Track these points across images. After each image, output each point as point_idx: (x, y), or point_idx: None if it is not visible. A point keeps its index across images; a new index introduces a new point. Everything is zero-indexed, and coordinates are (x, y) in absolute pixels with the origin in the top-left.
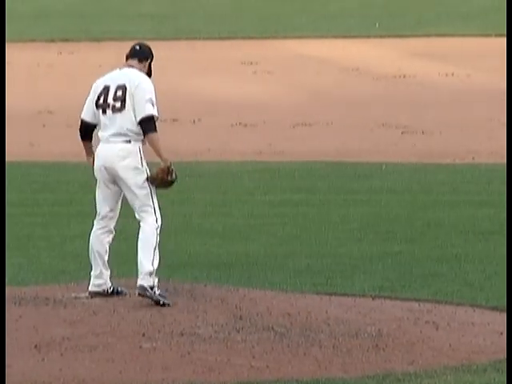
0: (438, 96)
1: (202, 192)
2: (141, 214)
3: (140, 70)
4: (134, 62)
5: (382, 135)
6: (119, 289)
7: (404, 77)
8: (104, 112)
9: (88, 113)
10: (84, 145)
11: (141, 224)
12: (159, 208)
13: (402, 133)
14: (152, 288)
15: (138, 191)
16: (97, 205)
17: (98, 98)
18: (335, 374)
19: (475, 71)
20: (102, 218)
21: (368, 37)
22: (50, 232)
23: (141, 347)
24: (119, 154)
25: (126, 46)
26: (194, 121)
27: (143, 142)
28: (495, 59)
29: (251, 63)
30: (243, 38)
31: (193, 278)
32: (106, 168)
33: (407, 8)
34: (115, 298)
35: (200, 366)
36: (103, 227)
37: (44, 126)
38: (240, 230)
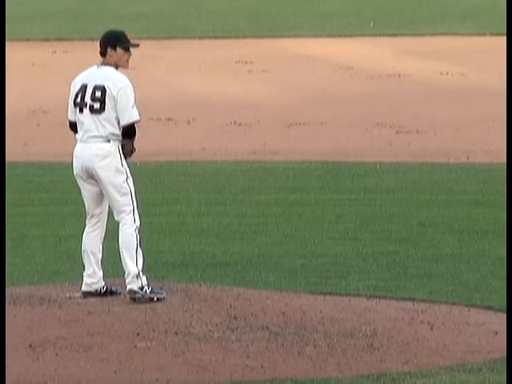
0: (432, 95)
1: (196, 191)
2: (119, 215)
3: (115, 64)
4: (105, 57)
5: (377, 134)
6: (113, 288)
7: (399, 76)
8: (81, 111)
9: (70, 112)
10: None
11: (119, 226)
12: (137, 208)
13: (396, 132)
14: (142, 288)
15: (117, 192)
16: (85, 205)
17: (76, 96)
18: (330, 374)
19: (470, 70)
20: (92, 217)
21: (363, 36)
22: (45, 232)
23: (135, 347)
24: (98, 153)
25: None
26: (188, 120)
27: (120, 142)
28: (490, 58)
29: (246, 62)
30: (238, 37)
31: (187, 277)
32: (85, 168)
33: (402, 7)
34: (110, 298)
35: (194, 366)
36: (94, 225)
37: (38, 125)
38: (235, 229)
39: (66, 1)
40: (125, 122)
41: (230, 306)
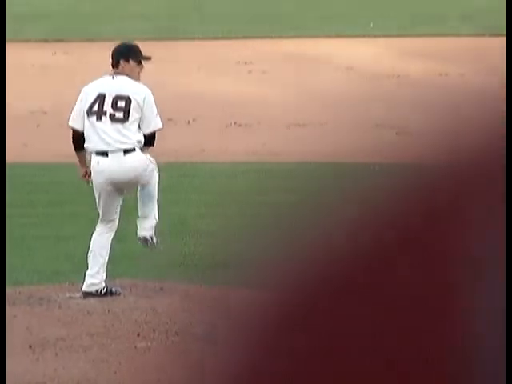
0: (432, 96)
1: (196, 193)
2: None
3: (129, 71)
4: (117, 69)
5: (377, 135)
6: (113, 289)
7: (398, 77)
8: (99, 119)
9: (79, 121)
10: (79, 156)
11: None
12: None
13: (396, 133)
14: (152, 238)
15: (148, 178)
16: (101, 211)
17: (92, 105)
18: None
19: (469, 71)
20: (108, 222)
21: (363, 36)
22: (44, 232)
23: (136, 347)
24: (133, 165)
25: None
26: (188, 121)
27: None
28: (490, 59)
29: (246, 63)
30: (238, 37)
31: (188, 277)
32: (117, 183)
33: (402, 8)
34: (110, 298)
35: (195, 366)
36: (109, 228)
37: (38, 126)
38: (235, 230)
39: (66, 1)
40: (149, 130)
41: (231, 306)
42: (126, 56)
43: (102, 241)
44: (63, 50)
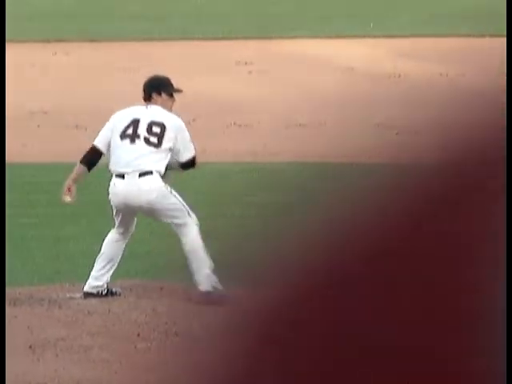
0: (433, 96)
1: (196, 193)
2: (179, 227)
3: (161, 104)
4: (149, 102)
5: (377, 136)
6: (113, 290)
7: (399, 76)
8: (133, 141)
9: (104, 142)
10: (78, 169)
11: (180, 228)
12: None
13: (396, 133)
14: (214, 287)
15: (171, 212)
16: (117, 223)
17: (126, 129)
18: None
19: (469, 71)
20: (124, 232)
21: (363, 37)
22: (44, 233)
23: (136, 347)
24: (145, 188)
25: (122, 47)
26: (188, 121)
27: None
28: (490, 59)
29: (246, 63)
30: (238, 38)
31: (188, 278)
32: (131, 206)
33: (401, 8)
34: (110, 299)
35: (195, 367)
36: (123, 236)
37: (38, 126)
38: (235, 231)
39: (66, 1)
40: (188, 156)
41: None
42: (158, 89)
43: (114, 247)
44: (63, 50)
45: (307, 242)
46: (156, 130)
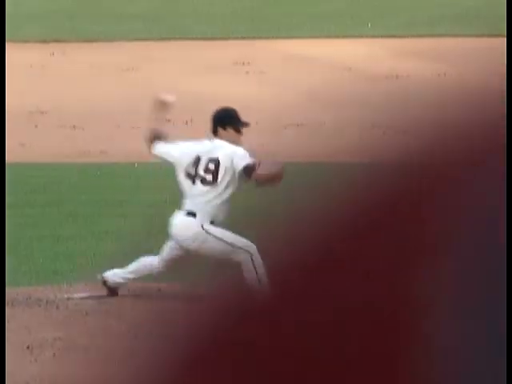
0: (431, 96)
1: None
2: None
3: (227, 139)
4: (216, 135)
5: (375, 136)
6: (112, 287)
7: (397, 77)
8: (193, 183)
9: (163, 150)
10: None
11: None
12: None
13: (395, 133)
14: None
15: (217, 255)
16: (165, 251)
17: (189, 169)
18: None
19: (469, 71)
20: (166, 265)
21: (360, 37)
22: (42, 233)
23: (133, 348)
24: (182, 227)
25: (120, 47)
26: (186, 121)
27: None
28: (490, 59)
29: (243, 63)
30: (235, 38)
31: (188, 279)
32: (176, 241)
33: (399, 8)
34: (107, 299)
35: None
36: (163, 266)
37: (36, 126)
38: (234, 230)
39: (66, 1)
40: (242, 164)
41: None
42: (223, 123)
43: (147, 270)
44: (62, 50)
45: (307, 241)
46: (211, 167)
